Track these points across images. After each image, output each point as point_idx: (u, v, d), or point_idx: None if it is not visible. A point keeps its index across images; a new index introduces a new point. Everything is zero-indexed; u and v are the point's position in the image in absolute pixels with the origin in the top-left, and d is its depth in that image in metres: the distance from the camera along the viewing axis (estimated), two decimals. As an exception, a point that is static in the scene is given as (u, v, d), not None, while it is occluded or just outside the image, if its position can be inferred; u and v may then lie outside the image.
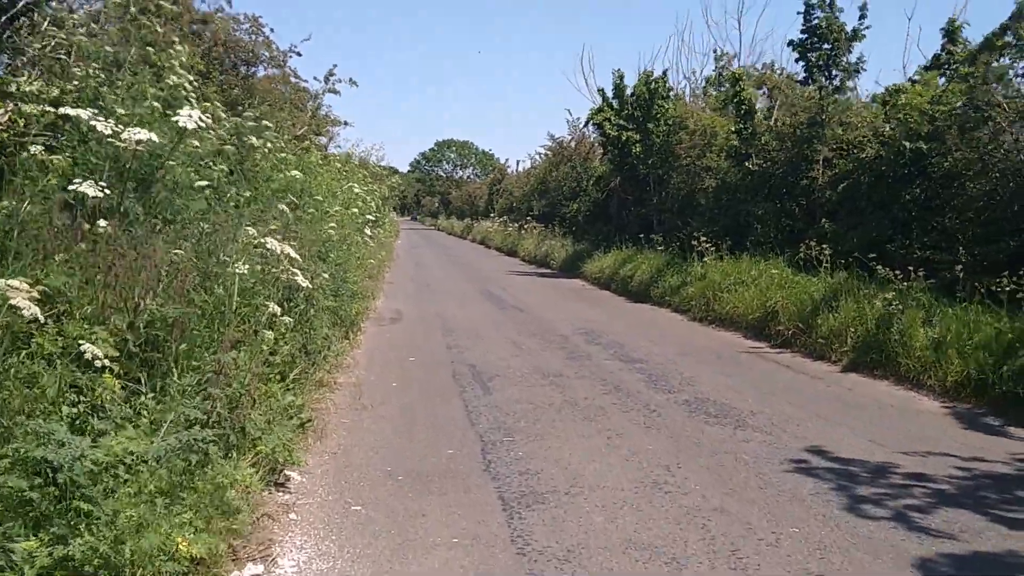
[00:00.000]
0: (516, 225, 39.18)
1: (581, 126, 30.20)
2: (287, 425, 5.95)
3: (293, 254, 6.93)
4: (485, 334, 12.08)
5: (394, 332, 12.29)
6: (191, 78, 8.64)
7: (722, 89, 24.48)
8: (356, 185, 14.30)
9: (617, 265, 20.12)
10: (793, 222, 16.11)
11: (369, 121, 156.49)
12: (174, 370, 4.94)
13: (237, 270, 5.74)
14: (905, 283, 10.02)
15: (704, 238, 16.00)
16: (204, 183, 8.36)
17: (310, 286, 6.87)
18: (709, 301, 14.15)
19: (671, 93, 23.16)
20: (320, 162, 15.22)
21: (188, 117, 6.00)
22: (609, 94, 23.98)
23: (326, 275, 8.94)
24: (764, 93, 18.47)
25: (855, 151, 14.45)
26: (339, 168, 17.90)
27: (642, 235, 22.37)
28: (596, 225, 28.31)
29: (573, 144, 34.94)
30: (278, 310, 6.54)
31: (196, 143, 7.91)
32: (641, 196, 24.00)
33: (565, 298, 17.87)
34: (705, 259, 15.68)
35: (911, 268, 10.15)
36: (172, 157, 7.49)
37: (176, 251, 5.97)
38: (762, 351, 11.21)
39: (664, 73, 22.81)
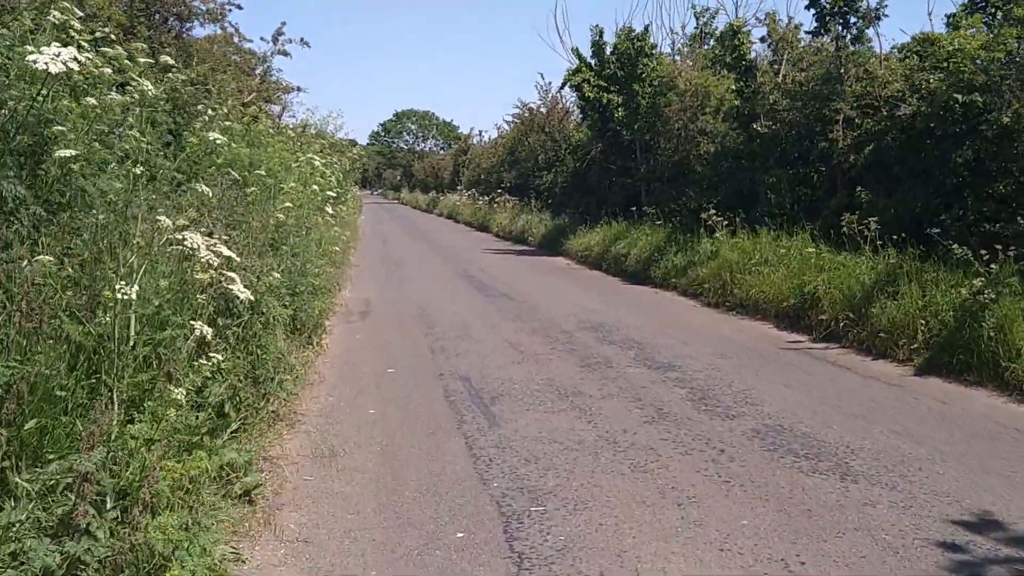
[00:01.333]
0: (486, 199, 37.14)
1: (556, 90, 28.13)
2: (220, 514, 4.02)
3: (227, 252, 4.93)
4: (474, 331, 10.16)
5: (366, 330, 10.33)
6: (79, 13, 6.53)
7: (707, 46, 22.64)
8: (315, 157, 12.21)
9: (607, 242, 18.25)
10: (811, 191, 14.34)
11: (324, 91, 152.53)
12: (15, 463, 3.00)
13: (128, 292, 3.74)
14: (990, 265, 8.22)
15: (714, 211, 14.16)
16: (117, 157, 6.41)
17: (249, 297, 4.90)
18: (726, 284, 12.32)
19: (655, 51, 21.19)
20: (272, 132, 13.11)
21: (53, 58, 3.99)
22: (587, 53, 21.99)
23: (277, 273, 6.93)
24: (769, 46, 16.58)
25: (884, 108, 12.63)
26: (294, 139, 15.78)
27: (631, 208, 20.57)
28: (575, 197, 26.38)
29: (544, 111, 32.90)
30: (208, 332, 4.56)
31: (93, 101, 5.87)
32: (626, 165, 22.10)
33: (554, 280, 15.97)
34: (716, 235, 13.85)
35: (998, 247, 8.35)
36: (68, 120, 5.50)
37: (42, 257, 3.98)
38: (806, 347, 9.41)
39: (647, 28, 20.85)
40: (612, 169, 23.24)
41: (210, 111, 12.82)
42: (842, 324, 9.44)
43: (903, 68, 12.73)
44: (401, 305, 12.51)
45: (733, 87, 16.79)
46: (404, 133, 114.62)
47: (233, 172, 8.84)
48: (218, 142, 12.18)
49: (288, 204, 9.42)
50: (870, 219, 10.43)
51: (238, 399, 5.60)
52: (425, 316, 11.39)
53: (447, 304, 12.52)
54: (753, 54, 16.79)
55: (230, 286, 4.89)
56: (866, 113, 13.27)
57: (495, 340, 9.59)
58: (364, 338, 9.86)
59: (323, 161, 16.36)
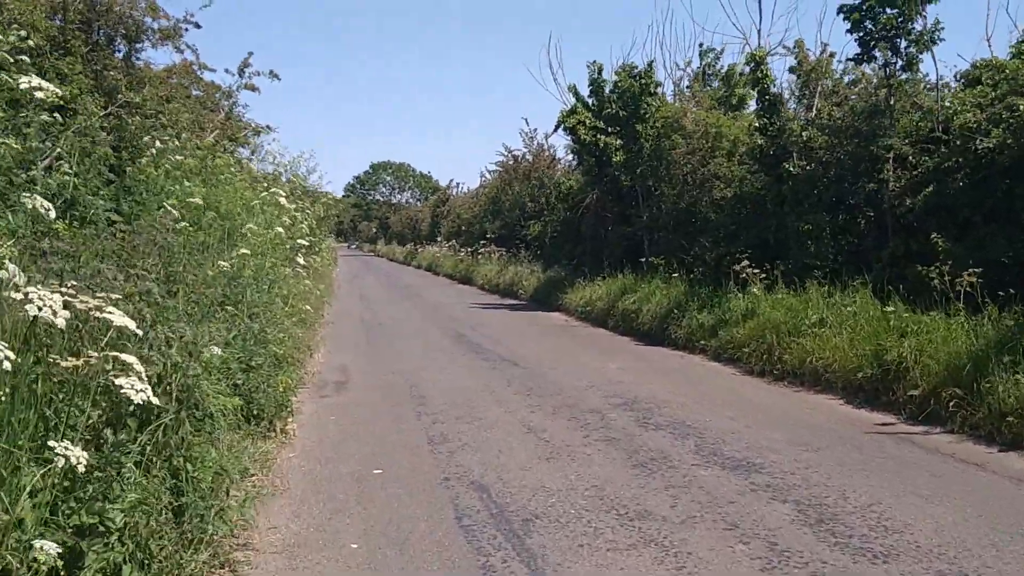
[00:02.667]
0: (469, 250, 35.26)
1: (547, 134, 26.39)
2: None
3: (120, 320, 2.89)
4: (480, 409, 8.12)
5: (344, 410, 8.24)
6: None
7: (712, 87, 21.07)
8: (280, 192, 10.15)
9: (612, 296, 16.31)
10: (857, 239, 12.53)
11: (295, 136, 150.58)
12: None
13: None
14: None
15: (747, 261, 12.29)
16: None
17: (147, 397, 2.90)
18: (771, 348, 10.37)
19: (659, 90, 19.53)
20: (229, 166, 11.14)
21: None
22: (584, 92, 20.31)
23: (218, 348, 4.87)
24: (798, 77, 14.88)
25: (955, 141, 10.87)
26: (259, 181, 13.83)
27: (632, 259, 18.74)
28: (566, 247, 24.55)
29: (530, 158, 31.24)
30: (79, 458, 2.54)
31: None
32: (625, 212, 20.31)
33: (559, 341, 13.97)
34: (753, 289, 11.96)
35: None
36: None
37: None
38: (903, 431, 7.44)
39: (650, 64, 19.20)
40: (609, 217, 21.46)
41: (158, 143, 10.88)
42: (947, 403, 7.48)
43: (971, 96, 11.00)
44: (385, 373, 10.45)
45: (755, 124, 15.08)
46: (380, 185, 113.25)
47: (173, 211, 6.80)
48: (164, 178, 10.29)
49: (245, 251, 7.38)
50: (965, 273, 8.54)
51: (148, 551, 3.54)
52: (416, 388, 9.34)
53: (441, 372, 10.47)
54: (776, 87, 15.11)
55: (118, 378, 2.87)
56: (924, 150, 11.53)
57: (509, 423, 7.54)
58: (341, 420, 7.77)
59: (294, 205, 14.41)
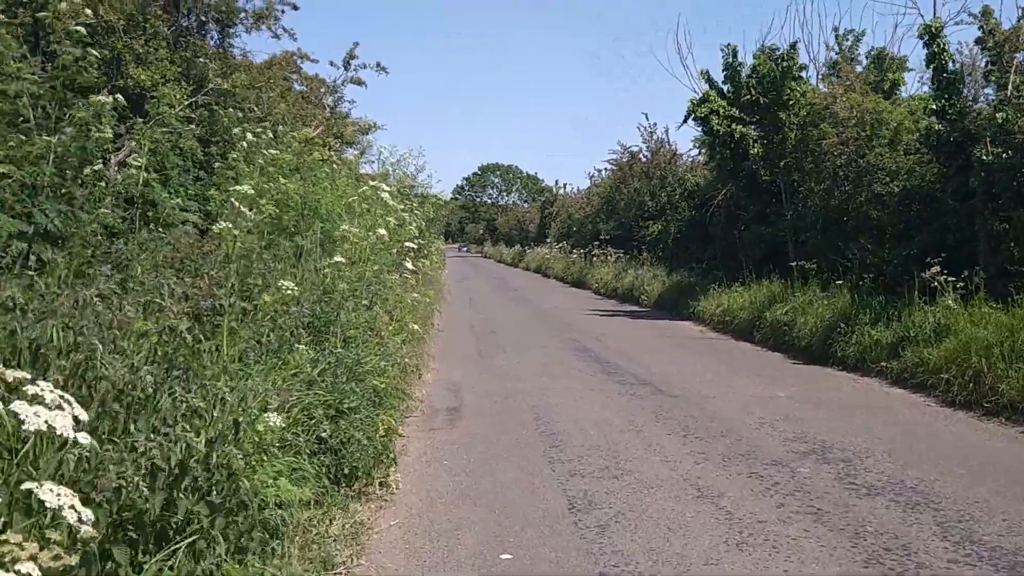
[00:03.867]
0: (581, 251, 33.56)
1: (666, 128, 24.26)
2: None
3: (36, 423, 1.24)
4: (631, 460, 6.41)
5: (457, 452, 6.67)
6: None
7: (858, 71, 18.74)
8: (384, 187, 8.58)
9: (758, 305, 14.35)
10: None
11: (403, 143, 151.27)
12: None
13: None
14: None
15: (938, 268, 10.22)
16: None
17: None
18: (980, 375, 8.35)
19: (802, 73, 17.38)
20: (327, 161, 9.80)
21: None
22: (718, 78, 18.31)
23: (276, 418, 3.32)
24: (984, 50, 12.60)
25: None
26: (363, 179, 12.47)
27: (768, 262, 16.73)
28: (691, 249, 22.61)
29: (648, 154, 29.28)
30: None
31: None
32: (764, 211, 18.23)
33: (699, 358, 12.13)
34: (947, 301, 9.89)
35: None
36: None
37: None
38: None
39: (794, 46, 17.10)
40: (743, 216, 19.39)
41: (250, 136, 9.61)
42: None
43: None
44: (503, 396, 8.87)
45: (931, 106, 12.93)
46: (488, 187, 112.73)
47: (246, 211, 5.39)
48: (258, 175, 9.05)
49: (340, 259, 5.90)
50: None
51: None
52: (542, 420, 7.71)
53: (568, 397, 8.83)
54: (955, 64, 12.90)
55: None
56: None
57: (672, 482, 5.82)
58: (454, 467, 6.21)
59: (401, 205, 13.04)
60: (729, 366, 11.31)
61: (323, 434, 4.44)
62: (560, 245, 40.81)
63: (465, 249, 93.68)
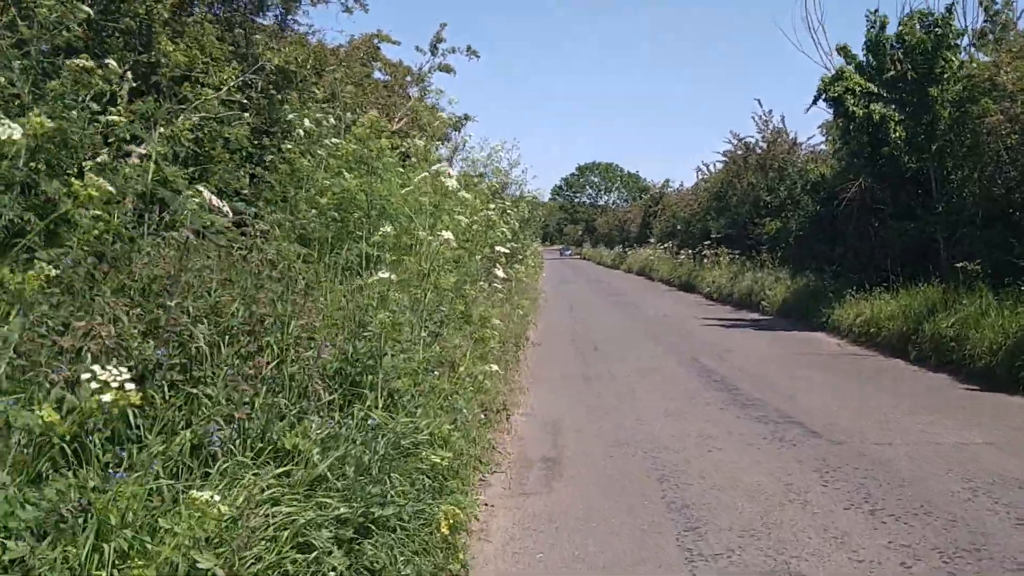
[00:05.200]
0: (689, 252, 31.29)
1: (807, 107, 21.53)
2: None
3: None
4: (804, 555, 4.45)
5: (558, 536, 4.85)
6: None
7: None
8: (449, 171, 6.72)
9: (914, 316, 12.06)
10: None
11: (496, 129, 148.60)
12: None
13: None
14: None
15: None
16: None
17: None
18: None
19: (959, 41, 14.92)
20: (392, 149, 8.18)
21: None
22: (858, 52, 15.94)
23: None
24: None
25: None
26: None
27: (911, 263, 14.44)
28: (816, 249, 20.14)
29: (764, 144, 26.84)
30: None
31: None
32: (907, 203, 15.82)
33: (852, 384, 9.98)
34: None
35: None
36: None
37: None
38: None
39: (949, 9, 14.66)
40: (880, 210, 16.96)
41: (307, 122, 8.05)
42: None
43: None
44: (615, 446, 7.00)
45: None
46: (587, 187, 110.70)
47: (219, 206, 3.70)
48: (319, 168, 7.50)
49: (384, 275, 4.16)
50: None
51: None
52: (670, 485, 5.81)
53: (700, 447, 6.88)
54: None
55: None
56: None
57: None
58: (551, 563, 4.41)
59: (492, 203, 11.34)
60: (891, 395, 9.16)
61: (330, 573, 2.72)
62: (665, 245, 38.54)
63: (569, 253, 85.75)
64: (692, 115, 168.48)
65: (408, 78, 15.48)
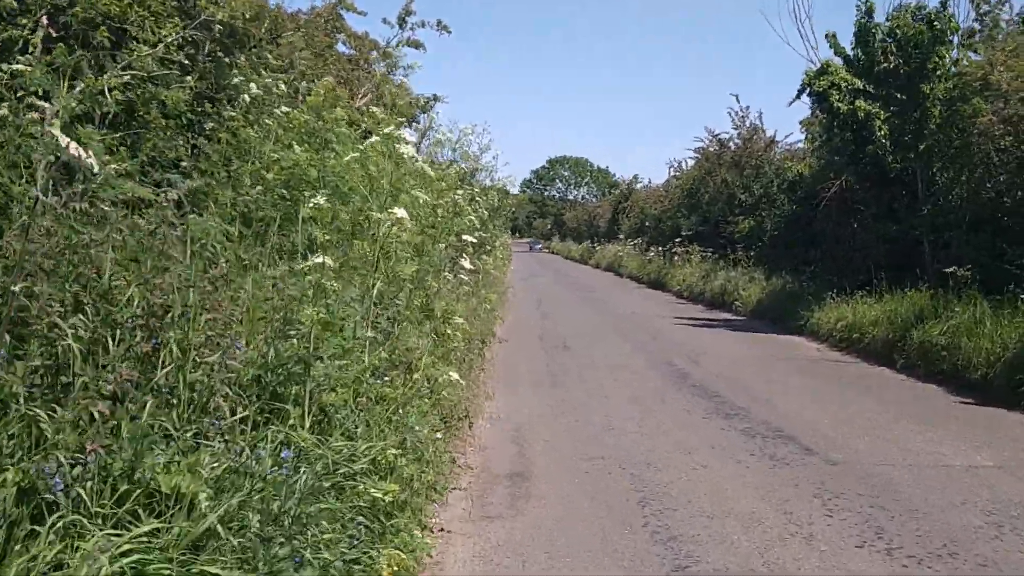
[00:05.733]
0: (660, 249, 30.67)
1: (790, 101, 20.86)
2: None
3: None
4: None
5: (521, 564, 4.13)
6: None
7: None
8: (405, 136, 5.89)
9: (900, 322, 11.46)
10: None
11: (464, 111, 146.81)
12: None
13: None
14: None
15: None
16: None
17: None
18: None
19: (954, 38, 14.36)
20: (343, 121, 7.39)
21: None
22: (846, 45, 15.33)
23: None
24: None
25: None
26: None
27: (894, 267, 13.92)
28: (792, 250, 19.56)
29: (739, 141, 26.24)
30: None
31: None
32: (890, 205, 15.29)
33: (839, 393, 9.33)
34: None
35: None
36: None
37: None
38: None
39: (944, 3, 14.09)
40: (861, 211, 16.43)
41: (254, 87, 7.23)
42: None
43: None
44: (588, 460, 6.27)
45: None
46: (557, 180, 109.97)
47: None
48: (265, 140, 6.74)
49: (321, 259, 3.37)
50: None
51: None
52: (653, 512, 5.07)
53: (684, 464, 6.16)
54: None
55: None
56: None
57: None
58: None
59: (465, 192, 10.60)
60: (881, 405, 8.52)
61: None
62: (634, 242, 37.95)
63: (539, 247, 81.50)
64: (667, 111, 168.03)
65: (374, 52, 14.59)
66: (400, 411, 3.88)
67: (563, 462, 6.19)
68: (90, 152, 2.81)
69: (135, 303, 2.99)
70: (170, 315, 2.97)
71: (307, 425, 3.09)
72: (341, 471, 2.96)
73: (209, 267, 3.53)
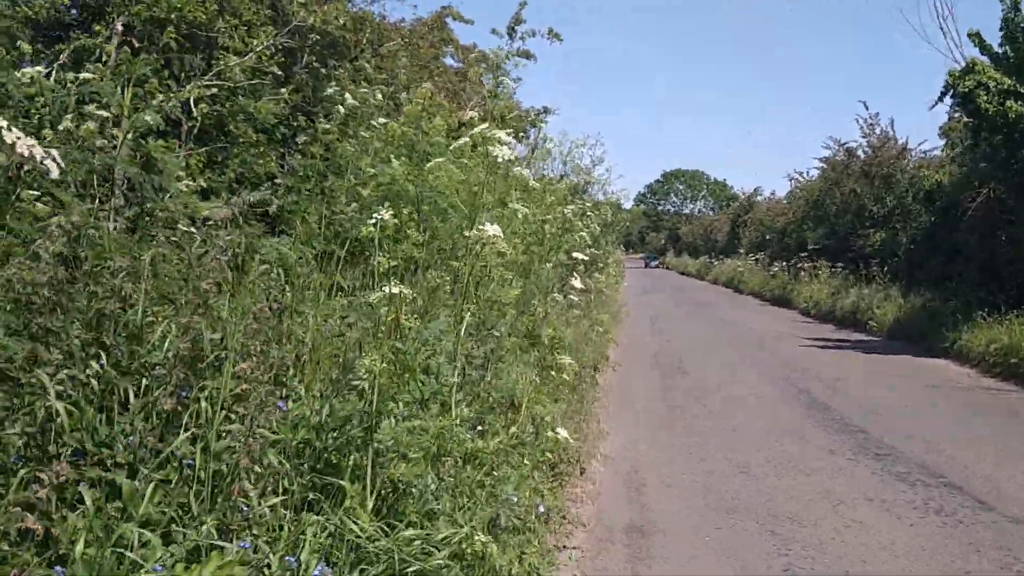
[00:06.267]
0: (783, 264, 29.18)
1: (932, 103, 19.30)
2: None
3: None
4: None
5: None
6: None
7: None
8: (500, 135, 5.17)
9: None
10: None
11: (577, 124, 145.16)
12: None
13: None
14: None
15: None
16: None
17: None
18: None
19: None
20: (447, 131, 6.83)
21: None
22: (993, 42, 13.94)
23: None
24: None
25: None
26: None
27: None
28: (929, 264, 18.05)
29: (869, 149, 24.63)
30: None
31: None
32: (1048, 214, 13.79)
33: (1005, 428, 8.18)
34: None
35: None
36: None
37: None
38: None
39: (1111, -10, 12.61)
40: (1012, 223, 14.91)
41: (348, 97, 6.75)
42: None
43: None
44: (723, 513, 5.43)
45: None
46: (672, 194, 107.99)
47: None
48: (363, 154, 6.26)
49: (397, 289, 2.71)
50: None
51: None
52: (798, 578, 4.26)
53: (836, 522, 5.25)
54: None
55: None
56: None
57: None
58: None
59: (576, 206, 9.90)
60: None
61: None
62: (755, 256, 36.39)
63: (656, 263, 76.61)
64: (785, 121, 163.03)
65: (483, 65, 14.08)
66: (494, 472, 3.18)
67: (688, 513, 5.38)
68: (50, 153, 2.25)
69: (164, 346, 2.43)
70: (204, 362, 2.39)
71: (369, 507, 2.44)
72: (412, 570, 2.29)
73: (268, 298, 2.95)
